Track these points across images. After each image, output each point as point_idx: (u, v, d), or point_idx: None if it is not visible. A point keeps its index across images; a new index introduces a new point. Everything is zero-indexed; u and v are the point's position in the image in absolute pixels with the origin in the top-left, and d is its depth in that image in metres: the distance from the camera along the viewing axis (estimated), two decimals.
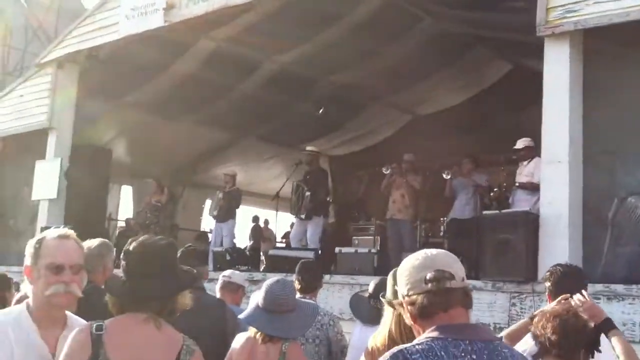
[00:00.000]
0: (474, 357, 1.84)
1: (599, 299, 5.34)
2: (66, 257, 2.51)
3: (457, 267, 1.98)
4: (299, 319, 3.46)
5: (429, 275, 1.92)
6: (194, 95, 11.92)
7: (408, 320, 2.03)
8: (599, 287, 5.50)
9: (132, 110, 12.27)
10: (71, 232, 2.60)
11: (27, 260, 2.52)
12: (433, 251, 2.05)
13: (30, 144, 11.63)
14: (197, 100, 12.15)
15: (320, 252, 9.03)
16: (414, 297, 1.95)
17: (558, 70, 6.36)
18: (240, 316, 3.48)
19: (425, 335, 1.91)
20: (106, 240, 4.08)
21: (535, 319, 2.74)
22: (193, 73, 11.20)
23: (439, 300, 1.92)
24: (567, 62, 6.34)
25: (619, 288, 5.48)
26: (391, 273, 3.08)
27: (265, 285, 3.55)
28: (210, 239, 11.95)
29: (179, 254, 4.42)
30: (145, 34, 9.93)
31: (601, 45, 6.43)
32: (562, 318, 2.63)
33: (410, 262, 2.03)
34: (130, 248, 2.47)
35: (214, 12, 9.10)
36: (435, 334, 1.89)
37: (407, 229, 9.43)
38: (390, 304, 2.94)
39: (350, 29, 9.87)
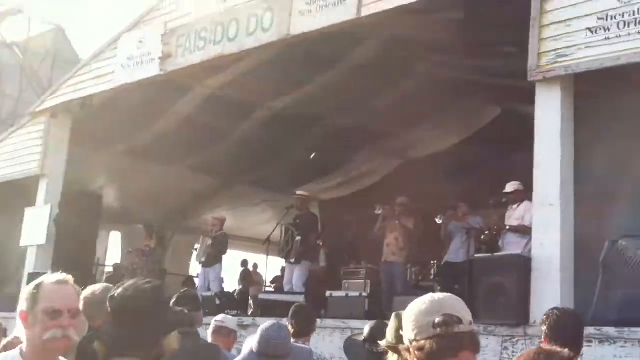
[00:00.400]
0: None
1: (591, 342, 5.30)
2: (64, 302, 2.49)
3: (464, 312, 1.96)
4: None
5: (437, 320, 1.90)
6: (186, 141, 11.99)
7: None
8: (591, 330, 5.45)
9: (124, 156, 12.31)
10: (69, 278, 2.58)
11: (23, 305, 2.48)
12: (440, 295, 2.03)
13: (21, 191, 11.60)
14: (188, 145, 12.21)
15: (305, 296, 8.94)
16: (422, 342, 1.92)
17: (549, 114, 6.42)
18: None
19: None
20: (110, 285, 4.03)
21: None
22: (185, 119, 11.29)
23: (448, 345, 1.89)
24: (558, 106, 6.40)
25: (611, 331, 5.44)
26: (394, 315, 3.04)
27: (260, 330, 3.51)
28: (197, 284, 11.84)
29: (174, 299, 4.43)
30: (139, 83, 10.02)
31: (592, 89, 6.52)
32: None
33: (417, 306, 2.00)
34: (115, 294, 2.42)
35: (209, 61, 9.20)
36: None
37: (400, 271, 9.40)
38: (393, 349, 2.89)
39: (343, 74, 10.02)
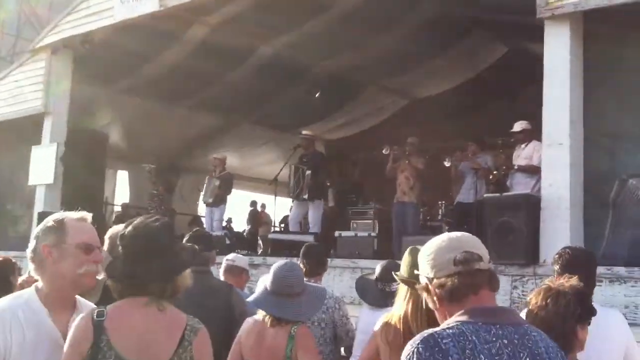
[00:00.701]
0: (505, 341, 1.82)
1: (601, 281, 5.35)
2: (93, 238, 2.53)
3: (483, 249, 1.97)
4: (308, 302, 3.46)
5: (458, 256, 1.90)
6: (188, 81, 11.88)
7: (432, 304, 2.00)
8: (601, 269, 5.48)
9: (127, 95, 12.22)
10: (89, 215, 2.60)
11: (46, 239, 2.47)
12: (457, 234, 2.03)
13: (25, 130, 11.55)
14: (191, 85, 12.10)
15: (315, 235, 9.03)
16: (443, 279, 1.92)
17: (558, 52, 6.33)
18: (249, 299, 3.47)
19: (455, 319, 1.88)
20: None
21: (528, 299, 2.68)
22: (187, 59, 11.14)
23: (469, 282, 1.89)
24: (567, 44, 6.30)
25: (621, 271, 5.48)
26: (408, 251, 3.05)
27: (273, 269, 3.54)
28: (204, 224, 11.94)
29: (187, 238, 4.46)
30: (139, 20, 9.84)
31: (601, 27, 6.41)
32: (546, 294, 2.57)
33: (435, 244, 2.00)
34: (126, 232, 2.45)
35: None
36: (465, 317, 1.86)
37: (412, 211, 9.42)
38: (407, 282, 2.90)
39: (347, 10, 9.81)
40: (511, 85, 11.40)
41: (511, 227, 6.11)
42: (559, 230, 5.93)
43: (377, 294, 4.18)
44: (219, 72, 11.77)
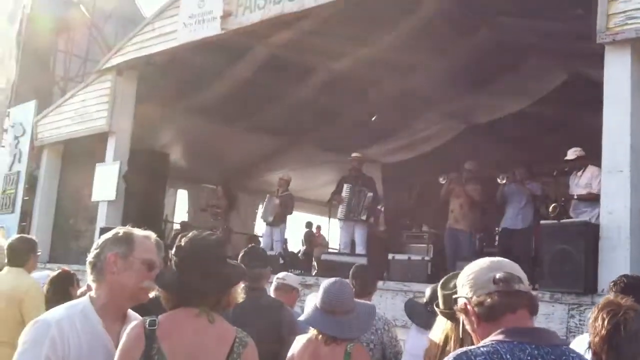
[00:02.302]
0: None
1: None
2: (158, 258, 2.64)
3: (523, 274, 1.97)
4: (358, 319, 3.46)
5: (498, 275, 1.90)
6: (249, 101, 12.08)
7: (470, 325, 1.99)
8: None
9: (189, 115, 12.50)
10: (153, 235, 2.70)
11: (113, 249, 2.56)
12: (498, 258, 2.04)
13: (90, 148, 11.96)
14: (251, 105, 12.30)
15: (367, 257, 9.02)
16: (482, 297, 1.92)
17: (619, 78, 6.22)
18: (300, 318, 3.49)
19: (490, 338, 1.87)
20: (157, 238, 4.17)
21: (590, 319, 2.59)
22: (248, 79, 11.35)
23: (508, 302, 1.89)
24: (628, 70, 6.20)
25: None
26: (440, 284, 3.05)
27: (323, 287, 3.55)
28: (261, 243, 12.05)
29: (242, 254, 4.52)
30: (202, 42, 10.13)
31: None
32: (616, 311, 2.46)
33: (476, 265, 2.01)
34: (182, 244, 2.53)
35: (269, 20, 9.21)
36: (501, 337, 1.86)
37: (465, 238, 9.32)
38: (445, 314, 2.92)
39: (405, 35, 9.84)
40: (570, 113, 11.19)
41: (569, 254, 5.98)
42: (619, 259, 5.77)
43: (426, 315, 4.15)
44: (280, 92, 11.94)
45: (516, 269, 1.97)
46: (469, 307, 1.97)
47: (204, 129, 12.81)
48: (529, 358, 1.81)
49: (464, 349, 1.87)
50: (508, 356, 1.80)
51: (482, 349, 1.84)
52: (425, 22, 9.52)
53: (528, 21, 9.04)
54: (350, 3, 8.61)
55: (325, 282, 3.57)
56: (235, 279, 2.55)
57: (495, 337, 1.87)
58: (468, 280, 1.99)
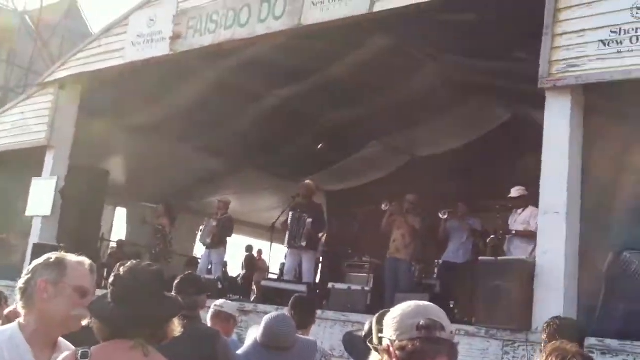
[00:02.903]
0: None
1: (593, 352, 5.31)
2: (91, 285, 2.56)
3: (447, 321, 2.01)
4: (299, 356, 3.42)
5: (422, 322, 1.94)
6: (194, 122, 11.99)
7: None
8: (593, 341, 5.48)
9: (132, 132, 12.33)
10: (88, 261, 2.62)
11: (45, 275, 2.48)
12: (425, 303, 2.07)
13: (27, 161, 11.63)
14: (197, 127, 12.21)
15: (309, 285, 9.00)
16: (404, 342, 1.95)
17: (559, 123, 6.43)
18: (239, 352, 3.44)
19: None
20: (89, 261, 4.07)
21: None
22: (195, 100, 11.29)
23: (428, 348, 1.93)
24: (568, 115, 6.40)
25: (614, 343, 5.47)
26: (375, 318, 3.07)
27: (264, 321, 3.51)
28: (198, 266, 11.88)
29: (178, 281, 4.45)
30: (149, 61, 10.04)
31: (602, 101, 6.52)
32: (564, 356, 2.52)
33: (402, 309, 2.04)
34: (121, 273, 2.47)
35: (219, 44, 9.23)
36: None
37: (405, 268, 9.42)
38: (376, 349, 2.93)
39: (354, 67, 9.99)
40: (512, 151, 11.51)
41: (505, 291, 6.10)
42: (553, 299, 5.91)
43: (364, 351, 4.14)
44: (226, 115, 11.89)
45: (441, 317, 2.00)
46: (391, 349, 2.00)
47: (148, 148, 12.65)
48: None
49: None
50: None
51: None
52: (373, 56, 9.67)
53: (474, 60, 9.29)
54: (300, 34, 8.69)
55: (268, 316, 3.53)
56: (173, 312, 2.50)
57: None
58: (393, 322, 2.02)
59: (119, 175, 13.34)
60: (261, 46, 9.48)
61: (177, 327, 2.51)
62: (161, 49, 9.79)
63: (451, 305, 8.71)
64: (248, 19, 8.85)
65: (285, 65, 10.05)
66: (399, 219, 9.56)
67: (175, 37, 9.61)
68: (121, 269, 2.49)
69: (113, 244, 14.01)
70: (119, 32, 10.52)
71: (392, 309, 2.07)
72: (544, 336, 3.36)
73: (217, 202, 11.63)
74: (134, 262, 2.58)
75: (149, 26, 10.02)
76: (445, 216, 9.25)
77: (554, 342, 2.68)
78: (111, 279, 2.49)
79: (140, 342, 2.37)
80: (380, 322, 2.99)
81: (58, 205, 10.83)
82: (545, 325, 3.42)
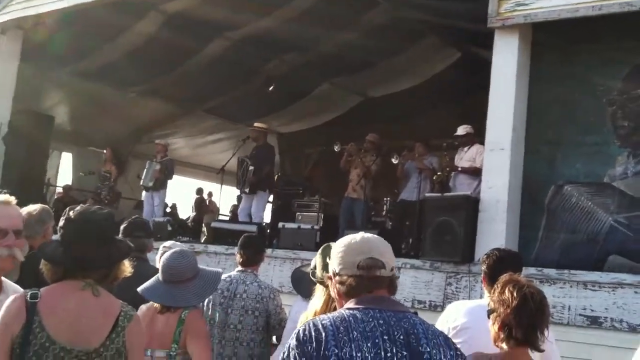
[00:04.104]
0: (381, 321, 1.95)
1: (532, 281, 5.51)
2: (9, 222, 2.53)
3: (389, 257, 2.10)
4: (199, 287, 3.49)
5: (362, 262, 2.03)
6: (141, 68, 11.70)
7: (333, 293, 2.15)
8: (532, 270, 5.70)
9: (78, 78, 12.00)
10: (12, 199, 2.61)
11: None
12: (370, 237, 2.15)
13: None
14: (144, 71, 11.93)
15: (260, 225, 9.06)
16: (345, 277, 2.06)
17: (506, 61, 6.51)
18: (139, 289, 3.48)
19: (342, 308, 2.04)
20: (47, 206, 4.04)
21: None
22: (141, 44, 10.99)
23: (367, 284, 2.03)
24: (515, 54, 6.49)
25: (552, 272, 5.69)
26: (320, 251, 3.12)
27: (162, 258, 3.58)
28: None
29: (125, 224, 4.45)
30: (93, 4, 9.70)
31: (549, 40, 6.61)
32: (520, 285, 2.62)
33: (346, 243, 2.12)
34: (72, 216, 2.48)
35: None
36: (351, 305, 2.02)
37: (360, 208, 9.54)
38: (322, 282, 3.00)
39: (306, 8, 9.81)
40: (462, 90, 11.60)
41: (450, 226, 6.27)
42: (496, 232, 6.10)
43: (310, 285, 4.22)
44: (175, 59, 11.63)
45: (384, 253, 2.09)
46: (334, 280, 2.12)
47: (94, 92, 12.37)
48: (370, 319, 1.95)
49: (315, 317, 2.03)
50: (351, 318, 1.95)
51: (330, 315, 2.00)
52: None
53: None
54: None
55: (167, 254, 3.59)
56: (123, 254, 2.54)
57: (347, 305, 2.03)
58: (337, 256, 2.12)
59: (65, 121, 13.05)
60: None
61: (127, 268, 2.56)
62: None
63: (400, 243, 8.89)
64: None
65: (233, 9, 9.82)
66: (356, 158, 9.63)
67: None
68: (71, 213, 2.50)
69: (59, 189, 13.77)
70: None
71: (338, 241, 2.16)
72: (484, 267, 3.46)
73: (155, 145, 11.52)
74: (84, 205, 2.59)
75: None
76: (397, 161, 9.36)
77: (505, 275, 2.78)
78: (61, 223, 2.50)
79: (90, 282, 2.40)
80: (323, 254, 3.06)
81: (1, 152, 10.56)
82: (485, 256, 3.51)
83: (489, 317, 2.66)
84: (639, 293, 5.22)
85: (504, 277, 2.73)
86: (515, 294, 2.56)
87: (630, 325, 5.17)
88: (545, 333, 2.57)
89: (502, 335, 2.56)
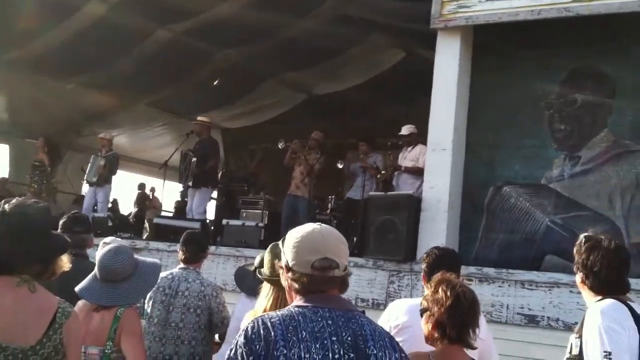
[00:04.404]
0: (330, 322, 1.97)
1: (472, 280, 5.67)
2: None
3: (344, 256, 2.11)
4: (136, 286, 3.46)
5: (316, 263, 2.03)
6: (81, 59, 11.39)
7: (284, 283, 2.15)
8: (472, 269, 5.83)
9: (14, 67, 11.59)
10: None
11: None
12: (327, 232, 2.14)
13: None
14: (84, 63, 11.62)
15: (203, 222, 8.99)
16: (297, 275, 2.06)
17: (448, 62, 6.62)
18: (76, 289, 3.43)
19: (291, 305, 2.05)
20: None
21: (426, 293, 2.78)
22: (83, 33, 10.67)
23: (319, 284, 2.04)
24: (457, 56, 6.61)
25: (491, 271, 5.83)
26: (269, 248, 3.13)
27: (98, 256, 3.53)
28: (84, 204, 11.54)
29: (64, 219, 4.35)
30: None
31: (491, 43, 6.76)
32: (453, 285, 2.67)
33: (302, 236, 2.11)
34: (7, 210, 2.42)
35: None
36: (300, 302, 2.03)
37: (304, 205, 9.56)
38: (269, 280, 3.01)
39: (248, 4, 9.76)
40: (406, 90, 11.74)
41: (393, 225, 6.35)
42: (437, 231, 6.21)
43: (255, 283, 4.22)
44: (116, 50, 11.36)
45: (338, 253, 2.09)
46: (285, 273, 2.11)
47: (31, 82, 11.98)
48: (319, 319, 1.97)
49: (264, 314, 2.03)
50: (300, 317, 1.96)
51: (279, 313, 2.00)
52: None
53: None
54: None
55: (102, 251, 3.54)
56: (60, 249, 2.49)
57: (297, 302, 2.04)
58: (292, 250, 2.10)
59: (1, 112, 12.62)
60: None
61: (65, 263, 2.50)
62: None
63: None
64: None
65: (174, 1, 9.68)
66: (300, 156, 9.65)
67: None
68: (6, 206, 2.43)
69: None
70: None
71: (294, 230, 2.15)
72: (424, 265, 3.53)
73: (99, 139, 11.28)
74: (20, 199, 2.52)
75: None
76: (342, 166, 9.45)
77: (437, 274, 2.83)
78: None
79: (26, 278, 2.35)
80: (272, 252, 3.06)
81: None
82: (425, 255, 3.58)
83: (421, 316, 2.71)
84: (574, 292, 5.39)
85: (437, 277, 2.79)
86: (448, 294, 2.62)
87: (566, 324, 5.34)
88: (477, 331, 2.63)
89: (436, 335, 2.62)
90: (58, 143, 13.07)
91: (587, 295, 2.97)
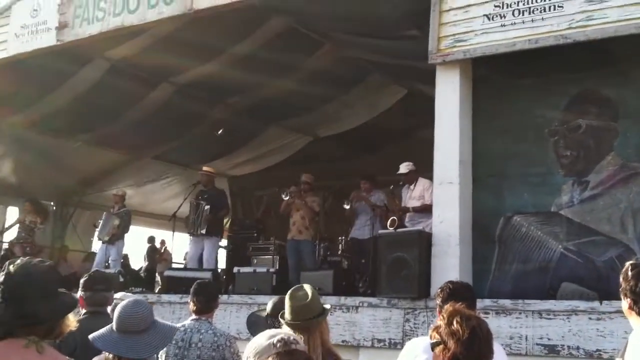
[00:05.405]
0: None
1: (488, 313, 5.57)
2: None
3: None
4: (153, 339, 3.41)
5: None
6: (88, 114, 11.54)
7: None
8: (488, 302, 5.74)
9: (22, 127, 11.73)
10: None
11: None
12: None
13: None
14: (90, 119, 11.77)
15: (214, 272, 8.94)
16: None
17: (449, 96, 6.64)
18: (90, 337, 3.39)
19: None
20: None
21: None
22: (87, 92, 10.85)
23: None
24: (457, 89, 6.63)
25: (507, 303, 5.74)
26: (289, 294, 3.12)
27: (118, 307, 3.49)
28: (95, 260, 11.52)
29: (85, 278, 4.33)
30: (35, 53, 9.67)
31: (490, 74, 6.80)
32: (468, 317, 2.59)
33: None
34: (12, 270, 2.38)
35: (108, 32, 9.01)
36: None
37: (308, 248, 9.50)
38: (291, 325, 3.01)
39: (250, 51, 9.87)
40: (409, 126, 11.78)
41: (404, 262, 6.28)
42: (449, 265, 6.14)
43: (267, 328, 4.15)
44: (120, 106, 11.51)
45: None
46: None
47: (39, 143, 12.12)
48: None
49: None
50: None
51: None
52: (271, 39, 9.61)
53: (367, 39, 9.40)
54: (193, 19, 8.54)
55: (122, 303, 3.50)
56: (68, 308, 2.45)
57: None
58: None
59: (9, 174, 12.74)
60: (151, 34, 9.27)
61: (72, 322, 2.46)
62: (47, 40, 9.51)
63: (357, 282, 8.88)
64: (138, 5, 8.71)
65: (178, 52, 9.82)
66: (297, 201, 9.61)
67: (62, 26, 9.36)
68: (11, 267, 2.39)
69: (5, 245, 13.34)
70: (2, 24, 10.13)
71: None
72: (439, 301, 3.48)
73: (112, 196, 11.32)
74: (25, 259, 2.48)
75: (33, 16, 9.71)
76: (348, 206, 9.40)
77: (448, 305, 2.76)
78: (1, 278, 2.38)
79: (33, 339, 2.30)
80: (293, 297, 3.06)
81: None
82: (439, 290, 3.53)
83: (433, 350, 2.63)
84: (593, 319, 5.29)
85: (449, 308, 2.72)
86: (464, 326, 2.56)
87: (587, 352, 5.23)
88: None
89: None
90: (64, 202, 13.08)
91: (636, 321, 2.93)
